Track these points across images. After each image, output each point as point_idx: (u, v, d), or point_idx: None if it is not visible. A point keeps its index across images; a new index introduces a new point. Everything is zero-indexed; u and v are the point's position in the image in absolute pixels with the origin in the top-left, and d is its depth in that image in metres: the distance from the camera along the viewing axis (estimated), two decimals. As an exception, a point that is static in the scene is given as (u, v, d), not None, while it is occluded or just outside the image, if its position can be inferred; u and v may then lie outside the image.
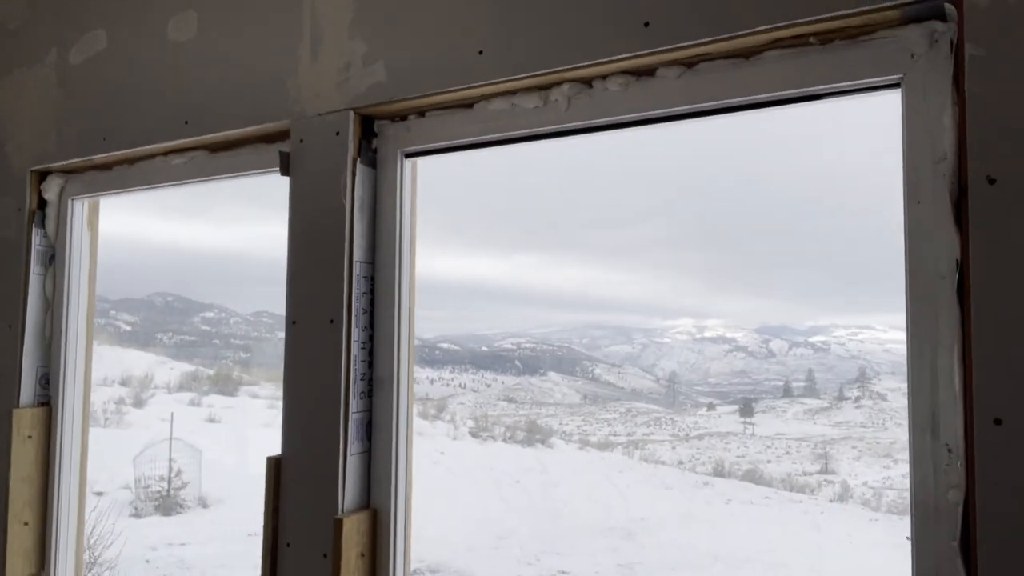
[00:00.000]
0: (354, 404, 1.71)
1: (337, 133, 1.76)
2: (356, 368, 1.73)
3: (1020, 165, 1.09)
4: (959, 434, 1.15)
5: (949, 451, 1.16)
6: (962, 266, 1.15)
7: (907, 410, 1.22)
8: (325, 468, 1.69)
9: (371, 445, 1.75)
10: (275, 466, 1.77)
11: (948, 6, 1.18)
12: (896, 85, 1.27)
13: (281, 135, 1.93)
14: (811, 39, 1.31)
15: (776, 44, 1.34)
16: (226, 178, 2.07)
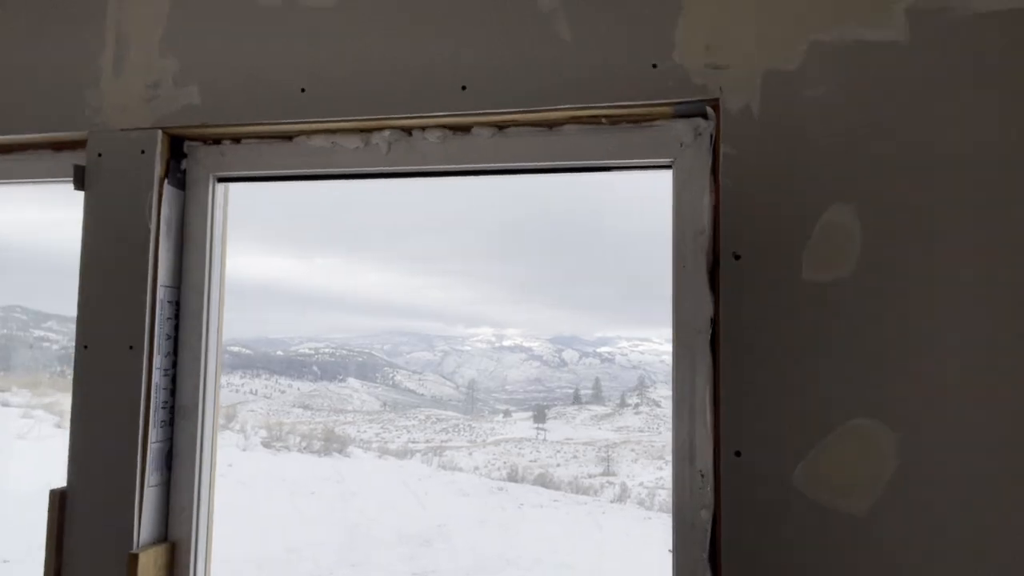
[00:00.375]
0: (153, 433, 1.66)
1: (143, 151, 1.70)
2: (157, 396, 1.68)
3: (758, 246, 1.36)
4: (710, 462, 1.39)
5: (702, 476, 1.40)
6: (715, 323, 1.40)
7: (671, 439, 1.46)
8: (119, 501, 1.62)
9: (171, 475, 1.70)
10: (59, 500, 1.66)
11: (709, 109, 1.44)
12: (669, 167, 1.51)
13: (74, 144, 1.82)
14: (603, 120, 1.52)
15: (574, 120, 1.53)
16: (12, 183, 1.91)
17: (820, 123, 1.35)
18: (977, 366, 1.25)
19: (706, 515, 1.38)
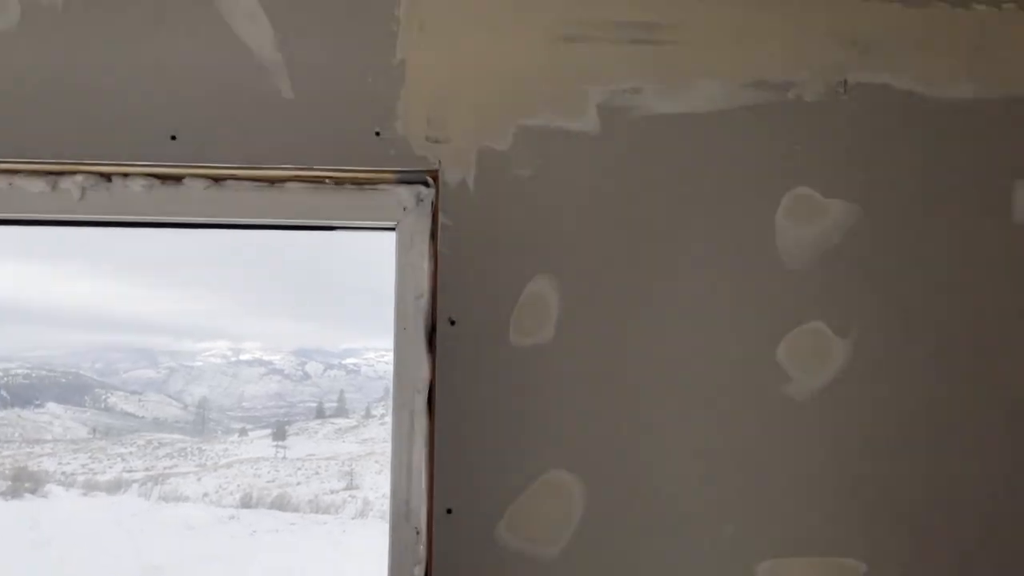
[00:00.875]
0: None
1: None
2: None
3: (473, 313, 1.45)
4: (424, 520, 1.45)
5: (417, 533, 1.45)
6: (431, 385, 1.46)
7: (390, 498, 1.49)
8: None
9: None
10: None
11: (429, 178, 1.50)
12: (392, 229, 1.54)
13: None
14: (327, 180, 1.52)
15: (298, 179, 1.51)
16: None
17: (527, 200, 1.48)
18: (656, 421, 1.45)
19: (419, 572, 1.43)
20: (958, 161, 1.49)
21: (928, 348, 1.46)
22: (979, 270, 1.47)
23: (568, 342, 1.45)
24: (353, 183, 1.52)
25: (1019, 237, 1.48)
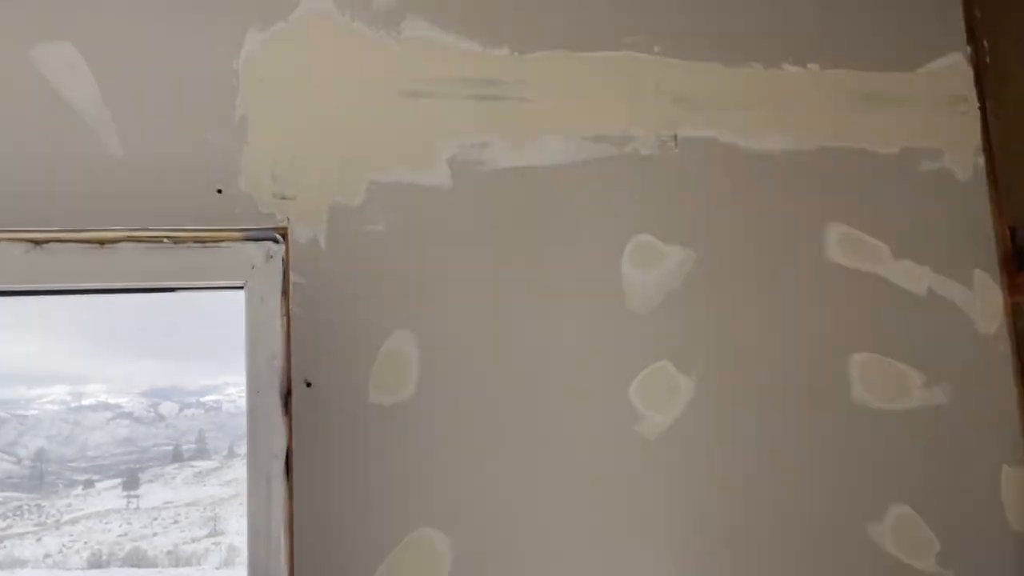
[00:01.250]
0: None
1: None
2: None
3: (329, 373, 1.42)
4: (285, 593, 1.39)
5: (277, 607, 1.38)
6: (288, 450, 1.41)
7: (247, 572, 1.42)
8: None
9: None
10: None
11: (278, 235, 1.46)
12: (241, 287, 1.48)
13: None
14: (164, 240, 1.43)
15: (132, 239, 1.42)
16: None
17: (381, 255, 1.47)
18: (519, 469, 1.47)
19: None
20: (776, 207, 1.63)
21: (760, 380, 1.58)
22: (799, 306, 1.61)
23: (430, 398, 1.45)
24: (195, 241, 1.45)
25: (832, 274, 1.64)
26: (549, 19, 1.60)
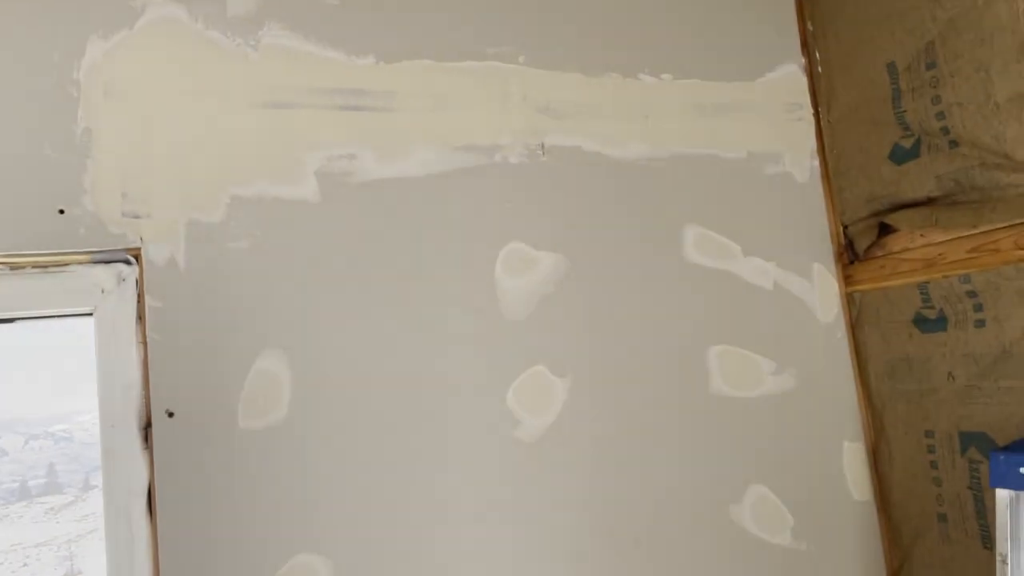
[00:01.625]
0: None
1: None
2: None
3: (193, 400, 1.34)
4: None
5: (147, 653, 1.30)
6: (150, 486, 1.33)
7: (110, 620, 1.32)
8: None
9: None
10: None
11: (131, 257, 1.37)
12: (90, 315, 1.38)
13: None
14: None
15: (-41, 267, 1.28)
16: None
17: (246, 273, 1.41)
18: (399, 485, 1.46)
19: None
20: (639, 211, 1.71)
21: (630, 378, 1.65)
22: (662, 304, 1.70)
23: (303, 418, 1.41)
24: (35, 266, 1.34)
25: (690, 273, 1.74)
26: (414, 28, 1.60)
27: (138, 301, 1.37)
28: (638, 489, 1.61)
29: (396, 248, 1.52)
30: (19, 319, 1.35)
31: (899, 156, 1.73)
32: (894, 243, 1.74)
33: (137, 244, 1.35)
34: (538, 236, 1.62)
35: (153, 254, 1.35)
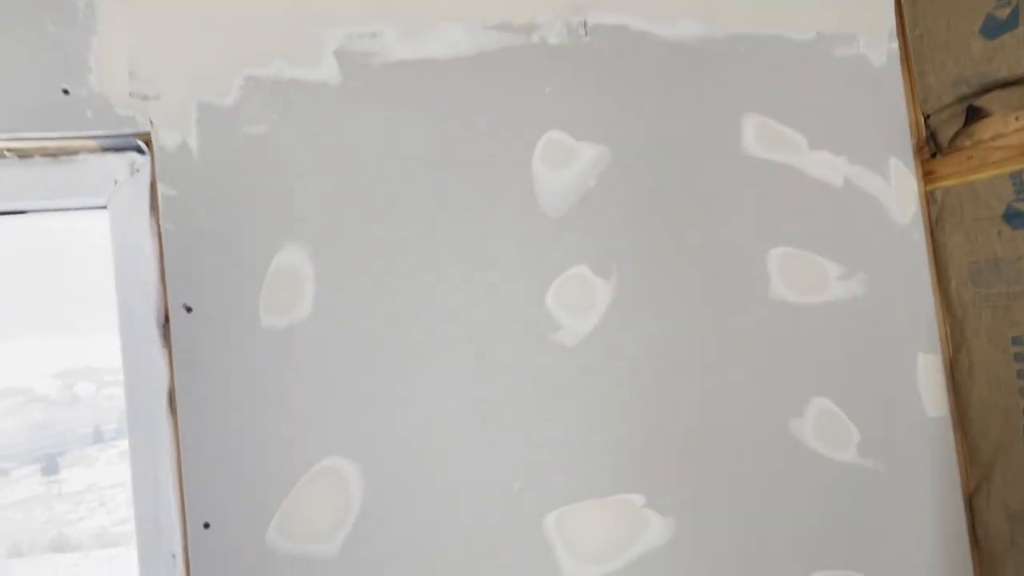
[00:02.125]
0: None
1: None
2: None
3: (211, 296, 1.27)
4: (179, 541, 1.25)
5: (173, 557, 1.25)
6: (171, 385, 1.26)
7: (134, 522, 1.27)
8: None
9: None
10: None
11: (142, 143, 1.28)
12: (104, 207, 1.30)
13: None
14: (5, 153, 1.24)
15: (-37, 153, 1.22)
16: None
17: (263, 161, 1.31)
18: (431, 386, 1.36)
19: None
20: (692, 97, 1.55)
21: (681, 278, 1.51)
22: (716, 202, 1.54)
23: (328, 315, 1.32)
24: (43, 154, 1.26)
25: (749, 166, 1.57)
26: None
27: (151, 190, 1.29)
28: (686, 400, 1.49)
29: (423, 137, 1.40)
30: (28, 211, 1.29)
31: (992, 29, 1.52)
32: (984, 130, 1.54)
33: (147, 128, 1.26)
34: (579, 125, 1.48)
35: (164, 139, 1.26)
